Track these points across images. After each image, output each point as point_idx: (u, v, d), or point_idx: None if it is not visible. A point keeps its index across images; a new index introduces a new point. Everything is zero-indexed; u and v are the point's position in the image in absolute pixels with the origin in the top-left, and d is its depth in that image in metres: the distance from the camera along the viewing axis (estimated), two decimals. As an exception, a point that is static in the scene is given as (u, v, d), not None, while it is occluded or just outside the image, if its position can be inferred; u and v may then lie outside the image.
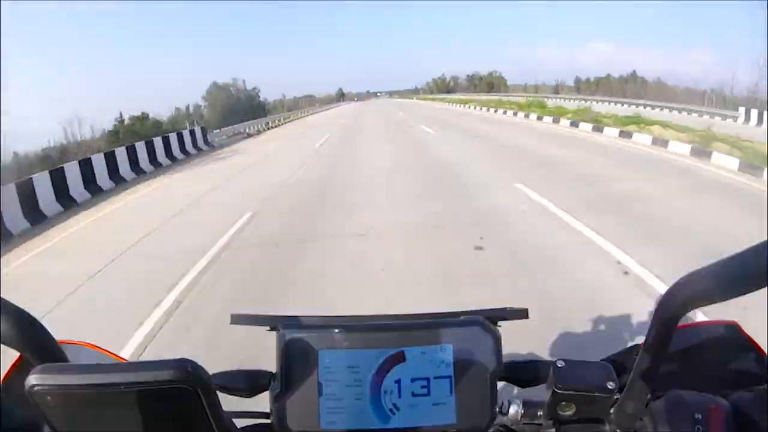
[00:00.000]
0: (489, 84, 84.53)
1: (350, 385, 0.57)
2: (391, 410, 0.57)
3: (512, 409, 0.60)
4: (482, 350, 0.58)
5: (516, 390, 0.70)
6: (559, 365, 0.57)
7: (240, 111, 47.82)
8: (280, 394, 0.57)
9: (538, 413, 0.60)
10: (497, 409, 0.59)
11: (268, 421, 0.59)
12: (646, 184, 7.12)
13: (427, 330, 0.59)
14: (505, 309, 0.62)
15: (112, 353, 0.70)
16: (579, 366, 0.57)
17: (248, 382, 0.61)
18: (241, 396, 0.62)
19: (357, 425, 0.57)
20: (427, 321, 0.60)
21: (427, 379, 0.57)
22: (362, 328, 0.60)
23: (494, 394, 0.58)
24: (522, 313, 0.63)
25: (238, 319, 0.63)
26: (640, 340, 0.54)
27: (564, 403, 0.57)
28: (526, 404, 0.60)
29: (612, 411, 0.57)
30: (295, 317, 0.61)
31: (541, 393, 0.60)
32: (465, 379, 0.57)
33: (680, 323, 0.49)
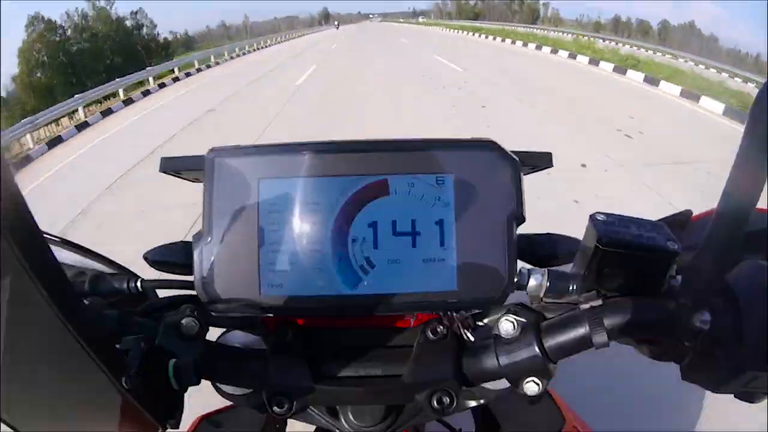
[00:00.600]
0: (532, 11, 65.79)
1: (304, 230, 0.39)
2: (362, 268, 0.39)
3: (533, 281, 0.41)
4: (496, 185, 0.40)
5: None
6: (600, 218, 0.38)
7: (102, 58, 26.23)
8: (207, 246, 0.39)
9: (570, 287, 0.41)
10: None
11: (192, 292, 0.42)
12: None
13: (419, 152, 0.40)
14: (524, 151, 0.43)
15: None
16: (626, 221, 0.39)
17: (185, 254, 0.44)
18: (183, 273, 0.45)
19: (312, 290, 0.39)
20: (419, 142, 0.41)
21: (415, 223, 0.39)
22: (326, 149, 0.40)
23: (513, 251, 0.40)
24: (546, 159, 0.44)
25: (166, 164, 0.45)
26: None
27: (607, 270, 0.38)
28: (551, 276, 0.42)
29: (671, 283, 0.39)
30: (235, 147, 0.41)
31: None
32: (471, 225, 0.39)
33: None
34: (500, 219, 0.39)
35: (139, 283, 0.48)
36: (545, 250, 0.45)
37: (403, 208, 0.39)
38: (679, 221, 0.50)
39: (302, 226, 0.39)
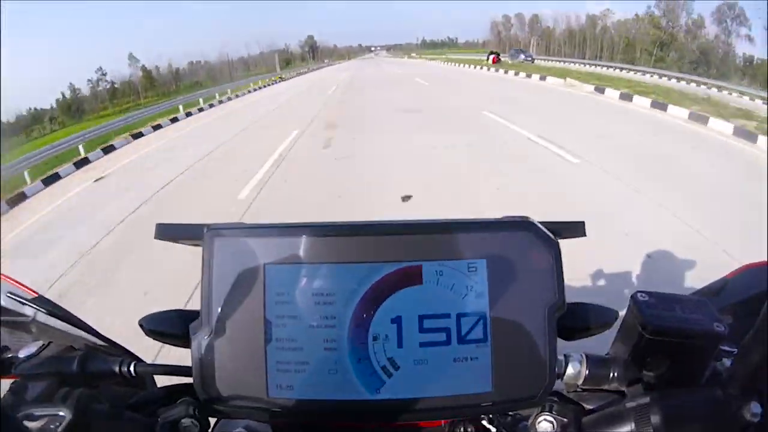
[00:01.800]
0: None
1: (317, 324, 0.34)
2: (384, 370, 0.34)
3: (571, 369, 0.37)
4: (534, 270, 0.35)
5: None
6: (642, 298, 0.36)
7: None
8: (206, 339, 0.35)
9: (610, 374, 0.38)
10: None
11: (191, 380, 0.37)
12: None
13: (448, 235, 0.36)
14: (558, 222, 0.39)
15: (24, 285, 0.49)
16: (669, 301, 0.36)
17: (182, 324, 0.39)
18: (178, 345, 0.40)
19: (327, 393, 0.34)
20: (447, 224, 0.37)
21: (445, 317, 0.35)
22: (341, 231, 0.36)
23: (554, 345, 0.35)
24: (579, 229, 0.40)
25: (162, 232, 0.41)
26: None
27: (651, 359, 0.36)
28: (590, 363, 0.38)
29: (716, 367, 0.37)
30: (237, 224, 0.37)
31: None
32: (507, 318, 0.35)
33: None
34: (539, 310, 0.35)
35: (133, 368, 0.43)
36: (578, 322, 0.40)
37: (431, 300, 0.34)
38: (716, 290, 0.47)
39: (315, 321, 0.34)
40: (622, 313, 0.40)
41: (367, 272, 0.35)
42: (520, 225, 0.36)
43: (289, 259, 0.35)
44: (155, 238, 0.41)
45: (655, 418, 0.34)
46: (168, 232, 0.39)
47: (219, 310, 0.35)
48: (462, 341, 0.34)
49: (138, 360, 0.44)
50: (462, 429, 0.38)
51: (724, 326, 0.34)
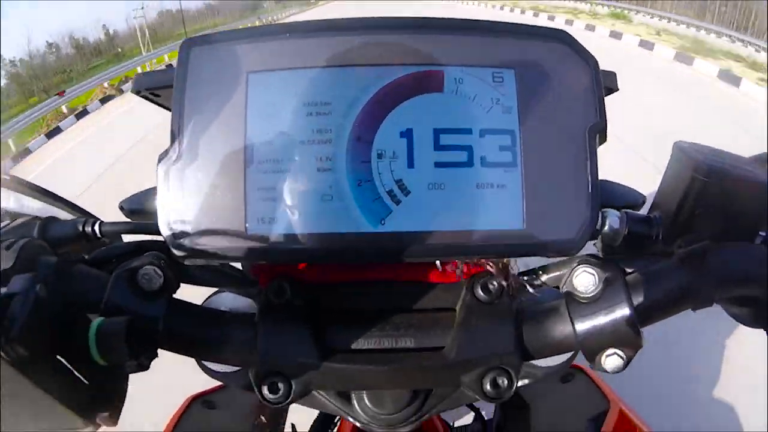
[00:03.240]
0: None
1: (308, 139, 0.28)
2: (391, 195, 0.28)
3: (608, 228, 0.31)
4: (571, 88, 0.29)
5: None
6: (687, 146, 0.32)
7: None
8: (174, 166, 0.28)
9: (654, 234, 0.33)
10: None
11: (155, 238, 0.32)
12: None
13: (468, 36, 0.29)
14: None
15: None
16: (716, 152, 0.32)
17: None
18: None
19: (319, 226, 0.28)
20: (469, 22, 0.29)
21: (466, 132, 0.28)
22: (338, 27, 0.29)
23: (596, 177, 0.29)
24: (611, 79, 0.36)
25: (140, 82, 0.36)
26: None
27: (701, 211, 0.31)
28: (631, 219, 0.32)
29: None
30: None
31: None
32: (541, 139, 0.28)
33: None
34: (579, 132, 0.28)
35: (98, 227, 0.38)
36: (603, 199, 0.35)
37: (448, 113, 0.28)
38: (760, 161, 0.43)
39: (306, 136, 0.28)
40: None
41: (372, 76, 0.28)
42: (556, 35, 0.29)
43: (277, 64, 0.28)
44: (132, 90, 0.36)
45: (713, 269, 0.29)
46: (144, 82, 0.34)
47: (192, 131, 0.28)
48: (487, 164, 0.28)
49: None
50: (483, 285, 0.32)
51: None
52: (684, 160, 0.31)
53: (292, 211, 0.28)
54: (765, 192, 0.30)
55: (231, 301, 0.44)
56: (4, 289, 0.23)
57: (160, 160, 0.29)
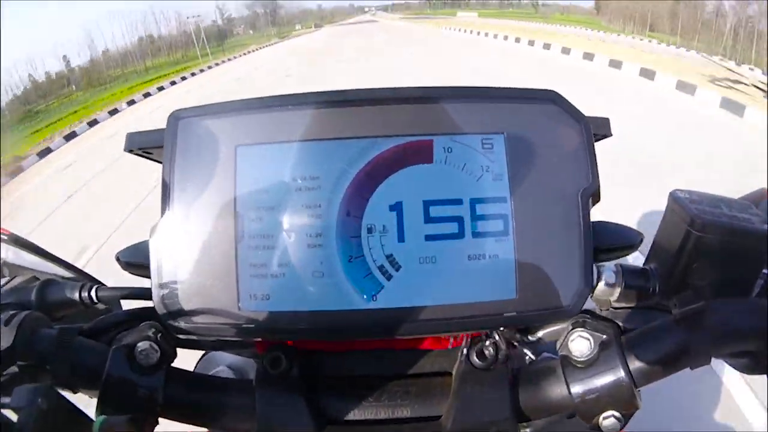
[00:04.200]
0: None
1: (298, 215, 0.28)
2: (382, 270, 0.28)
3: (604, 283, 0.31)
4: (562, 150, 0.29)
5: None
6: (683, 195, 0.31)
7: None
8: (165, 240, 0.29)
9: (651, 287, 0.32)
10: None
11: (150, 303, 0.31)
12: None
13: (457, 104, 0.29)
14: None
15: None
16: (712, 200, 0.31)
17: None
18: None
19: (312, 303, 0.28)
20: (457, 90, 0.30)
21: (456, 204, 0.28)
22: (324, 101, 0.29)
23: (589, 240, 0.29)
24: (604, 126, 0.34)
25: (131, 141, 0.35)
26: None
27: (698, 265, 0.30)
28: (626, 274, 0.32)
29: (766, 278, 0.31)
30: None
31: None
32: (532, 206, 0.28)
33: None
34: (570, 196, 0.28)
35: (94, 292, 0.37)
36: (599, 241, 0.34)
37: (438, 183, 0.28)
38: (753, 198, 0.43)
39: (296, 211, 0.28)
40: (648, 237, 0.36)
41: (360, 149, 0.28)
42: (545, 96, 0.29)
43: (266, 137, 0.28)
44: (125, 150, 0.36)
45: (710, 327, 0.28)
46: (135, 142, 0.33)
47: (182, 205, 0.28)
48: (478, 234, 0.28)
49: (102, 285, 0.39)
50: (478, 351, 0.32)
51: None
52: (679, 212, 0.31)
53: (284, 289, 0.28)
54: (763, 240, 0.29)
55: (227, 359, 0.44)
56: (6, 399, 0.23)
57: (151, 234, 0.29)
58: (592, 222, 0.35)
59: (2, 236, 0.44)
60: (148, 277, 0.35)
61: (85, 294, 0.37)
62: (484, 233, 0.28)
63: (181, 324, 0.29)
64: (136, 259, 0.36)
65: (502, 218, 0.28)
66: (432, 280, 0.28)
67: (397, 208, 0.28)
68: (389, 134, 0.28)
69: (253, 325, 0.28)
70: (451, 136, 0.28)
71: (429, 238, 0.28)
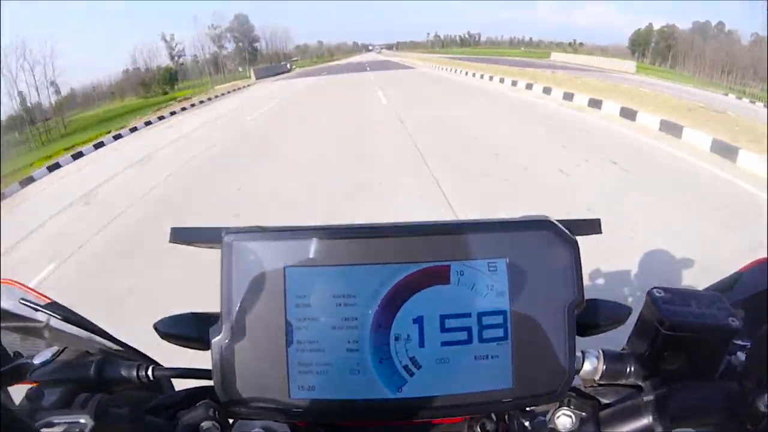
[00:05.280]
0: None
1: (338, 326, 0.35)
2: (406, 369, 0.35)
3: (588, 365, 0.38)
4: (554, 268, 0.36)
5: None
6: (659, 294, 0.37)
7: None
8: (226, 342, 0.35)
9: (627, 369, 0.39)
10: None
11: (210, 382, 0.37)
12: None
13: (468, 235, 0.36)
14: (573, 220, 0.39)
15: (36, 291, 0.49)
16: (685, 296, 0.37)
17: (199, 327, 0.38)
18: (194, 348, 0.39)
19: (349, 393, 0.35)
20: (467, 224, 0.37)
21: (466, 316, 0.35)
22: (360, 233, 0.36)
23: (573, 341, 0.36)
24: (595, 227, 0.40)
25: (177, 236, 0.40)
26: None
27: (668, 353, 0.37)
28: (607, 357, 0.39)
29: (730, 360, 0.39)
30: (258, 227, 0.37)
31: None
32: (527, 316, 0.35)
33: None
34: (559, 307, 0.35)
35: (151, 372, 0.42)
36: (591, 318, 0.40)
37: (452, 301, 0.35)
38: (728, 284, 0.49)
39: (336, 322, 0.35)
40: (636, 308, 0.40)
41: (388, 273, 0.35)
42: (540, 224, 0.36)
43: (310, 261, 0.35)
44: (170, 242, 0.40)
45: (673, 410, 0.35)
46: (183, 236, 0.39)
47: (239, 313, 0.35)
48: (483, 340, 0.35)
49: (155, 363, 0.44)
50: (481, 425, 0.39)
51: (738, 321, 0.35)
52: (653, 310, 0.36)
53: (328, 382, 0.34)
54: (727, 332, 0.35)
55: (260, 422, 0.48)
56: None
57: (213, 336, 0.35)
58: (588, 299, 0.40)
59: (43, 305, 0.46)
60: (186, 346, 0.39)
61: (142, 373, 0.42)
62: (487, 339, 0.35)
63: (240, 409, 0.35)
64: (173, 330, 0.40)
65: (503, 327, 0.35)
66: (445, 376, 0.34)
67: (419, 321, 0.34)
68: (413, 261, 0.35)
69: (300, 410, 0.35)
70: (463, 261, 0.35)
71: (444, 344, 0.34)
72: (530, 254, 0.35)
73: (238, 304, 0.35)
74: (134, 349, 0.50)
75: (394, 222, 0.37)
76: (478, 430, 0.39)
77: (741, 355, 0.39)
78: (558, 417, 0.37)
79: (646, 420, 0.36)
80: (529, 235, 0.36)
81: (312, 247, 0.35)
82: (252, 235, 0.36)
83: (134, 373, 0.42)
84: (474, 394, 0.35)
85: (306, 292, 0.35)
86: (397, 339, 0.34)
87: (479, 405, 0.35)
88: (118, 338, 0.50)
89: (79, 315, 0.49)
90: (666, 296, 0.37)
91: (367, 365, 0.34)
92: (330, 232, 0.35)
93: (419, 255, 0.35)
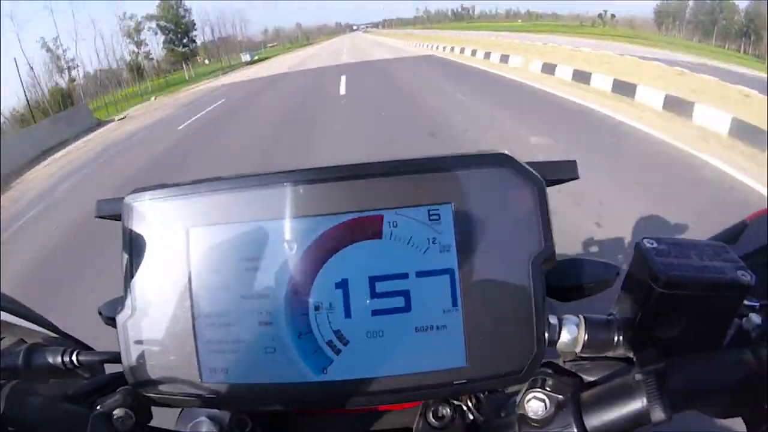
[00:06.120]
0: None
1: (249, 295, 0.29)
2: (331, 345, 0.28)
3: (567, 334, 0.31)
4: (514, 216, 0.29)
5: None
6: (650, 245, 0.29)
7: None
8: (130, 319, 0.30)
9: (615, 339, 0.31)
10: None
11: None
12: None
13: (399, 176, 0.29)
14: (541, 162, 0.32)
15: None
16: (683, 247, 0.29)
17: None
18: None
19: (266, 377, 0.29)
20: (398, 162, 0.30)
21: (402, 278, 0.28)
22: (266, 182, 0.30)
23: (542, 306, 0.29)
24: (569, 170, 0.33)
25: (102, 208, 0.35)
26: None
27: (664, 318, 0.29)
28: (590, 325, 0.31)
29: (740, 327, 0.30)
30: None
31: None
32: (482, 276, 0.28)
33: None
34: (521, 262, 0.28)
35: (75, 357, 0.39)
36: (569, 279, 0.34)
37: (383, 259, 0.28)
38: (734, 234, 0.42)
39: (247, 290, 0.29)
40: (625, 267, 0.33)
41: (304, 228, 0.29)
42: (494, 160, 0.29)
43: (216, 219, 0.29)
44: (96, 216, 0.36)
45: (672, 389, 0.28)
46: (107, 209, 0.34)
47: (142, 285, 0.30)
48: (425, 307, 0.28)
49: (86, 348, 0.41)
50: (434, 412, 0.32)
51: (751, 275, 0.28)
52: (643, 266, 0.29)
53: (241, 363, 0.29)
54: (735, 290, 0.27)
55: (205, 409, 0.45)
56: None
57: (117, 313, 0.31)
58: (566, 260, 0.35)
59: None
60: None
61: (67, 359, 0.39)
62: (431, 306, 0.28)
63: (151, 393, 0.30)
64: (115, 314, 0.37)
65: (450, 289, 0.28)
66: (380, 353, 0.28)
67: (342, 285, 0.28)
68: (334, 212, 0.29)
69: (215, 396, 0.30)
70: (396, 210, 0.28)
71: (375, 313, 0.28)
72: (483, 199, 0.29)
73: (140, 275, 0.30)
74: (71, 336, 0.47)
75: (312, 166, 0.30)
76: (432, 417, 0.32)
77: (755, 318, 0.31)
78: (528, 401, 0.29)
79: (638, 402, 0.28)
80: (482, 173, 0.29)
81: (217, 203, 0.30)
82: (153, 194, 0.31)
83: (59, 360, 0.39)
84: (417, 375, 0.28)
85: (212, 256, 0.29)
86: (317, 309, 0.28)
87: (424, 389, 0.29)
88: (57, 326, 0.47)
89: (22, 304, 0.47)
90: (659, 247, 0.29)
91: (284, 342, 0.28)
92: (236, 182, 0.30)
93: (342, 204, 0.29)
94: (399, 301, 0.28)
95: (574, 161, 0.34)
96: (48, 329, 0.47)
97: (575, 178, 0.35)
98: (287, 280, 0.29)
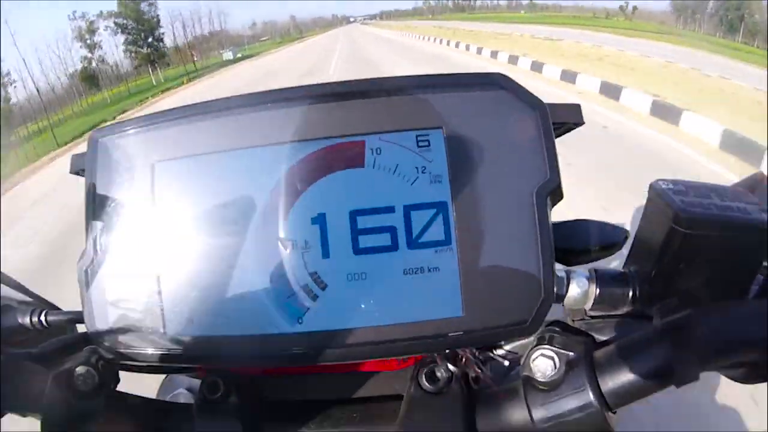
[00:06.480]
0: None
1: (216, 233, 0.26)
2: (307, 290, 0.25)
3: (576, 288, 0.27)
4: (515, 142, 0.25)
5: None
6: (666, 186, 0.26)
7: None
8: (91, 265, 0.27)
9: (630, 293, 0.28)
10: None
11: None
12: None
13: (385, 98, 0.26)
14: (548, 104, 0.27)
15: None
16: (702, 189, 0.26)
17: None
18: None
19: (235, 328, 0.25)
20: (382, 81, 0.26)
21: (387, 212, 0.25)
22: (233, 105, 0.26)
23: (548, 245, 0.25)
24: (574, 113, 0.29)
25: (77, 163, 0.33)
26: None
27: (684, 265, 0.26)
28: (601, 278, 0.28)
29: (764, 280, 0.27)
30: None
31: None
32: (479, 210, 0.25)
33: None
34: (524, 195, 0.25)
35: (44, 317, 0.37)
36: (575, 241, 0.31)
37: (365, 191, 0.25)
38: (751, 184, 0.39)
39: (215, 230, 0.26)
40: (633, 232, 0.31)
41: (276, 157, 0.25)
42: (490, 81, 0.26)
43: (183, 151, 0.26)
44: (71, 172, 0.34)
45: (698, 344, 0.24)
46: (80, 163, 0.32)
47: (105, 226, 0.27)
48: (414, 245, 0.25)
49: (54, 308, 0.39)
50: (430, 375, 0.28)
51: None
52: (661, 206, 0.26)
53: (206, 312, 0.26)
54: (762, 231, 0.25)
55: (187, 381, 0.43)
56: None
57: (80, 259, 0.28)
58: (570, 221, 0.32)
59: None
60: None
61: (35, 318, 0.37)
62: (421, 243, 0.25)
63: (113, 346, 0.27)
64: None
65: (442, 226, 0.25)
66: (364, 299, 0.25)
67: (319, 220, 0.25)
68: (310, 138, 0.25)
69: (180, 349, 0.26)
70: (380, 135, 0.25)
71: (358, 252, 0.25)
72: (478, 123, 0.25)
73: (103, 216, 0.27)
74: (40, 297, 0.44)
75: (285, 87, 0.27)
76: (425, 380, 0.28)
77: None
78: (534, 359, 0.26)
79: (660, 359, 0.24)
80: (476, 95, 0.25)
81: (184, 133, 0.26)
82: (119, 127, 0.27)
83: (27, 319, 0.37)
84: (407, 325, 0.25)
85: (178, 192, 0.26)
86: (291, 248, 0.25)
87: (414, 341, 0.25)
88: (27, 288, 0.44)
89: None
90: (677, 188, 0.26)
91: (254, 287, 0.25)
92: (204, 107, 0.26)
93: (318, 129, 0.25)
94: (384, 239, 0.25)
95: (578, 105, 0.31)
96: (16, 289, 0.45)
97: (581, 123, 0.32)
98: (257, 217, 0.25)
